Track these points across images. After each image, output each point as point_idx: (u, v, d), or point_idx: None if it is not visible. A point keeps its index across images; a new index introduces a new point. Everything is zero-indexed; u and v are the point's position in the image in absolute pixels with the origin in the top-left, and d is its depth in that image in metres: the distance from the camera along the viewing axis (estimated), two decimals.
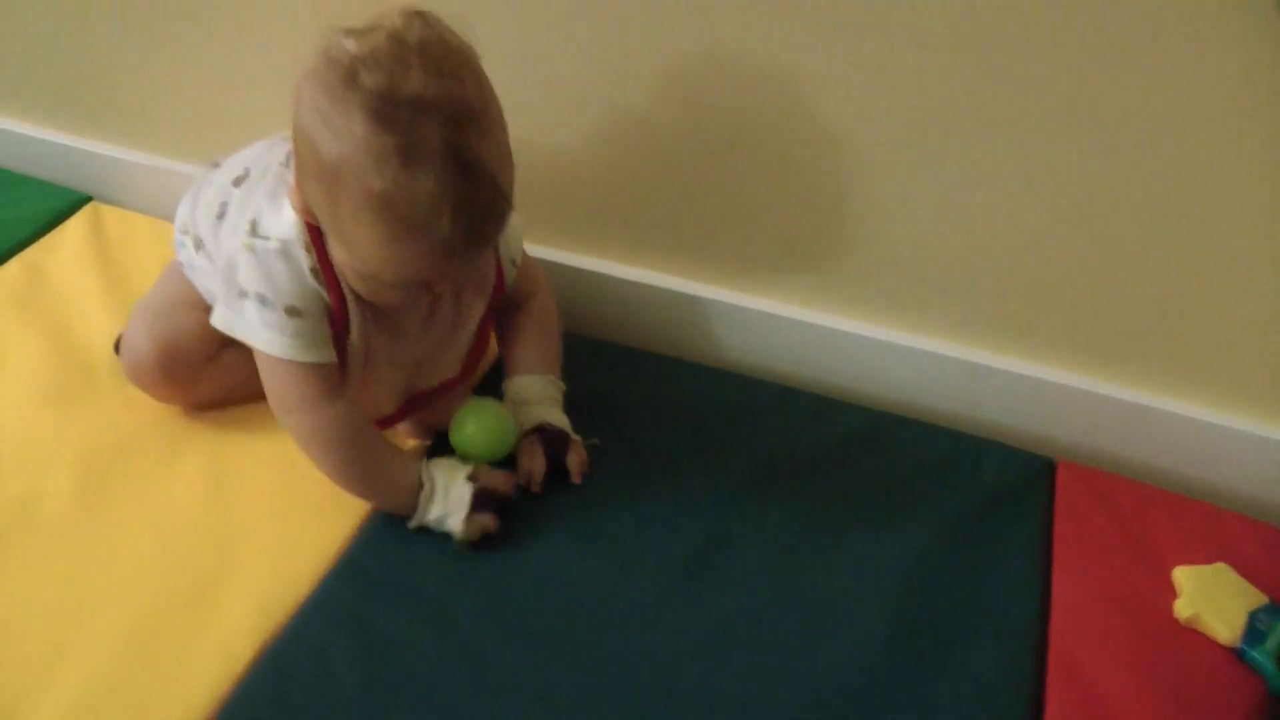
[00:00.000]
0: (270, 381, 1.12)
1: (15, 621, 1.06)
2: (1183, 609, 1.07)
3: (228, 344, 1.22)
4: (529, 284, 1.28)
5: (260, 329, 1.09)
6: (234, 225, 1.15)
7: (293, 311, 1.08)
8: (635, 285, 1.44)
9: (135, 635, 1.05)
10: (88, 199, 1.61)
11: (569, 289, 1.44)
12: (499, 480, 1.16)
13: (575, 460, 1.21)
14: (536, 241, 1.40)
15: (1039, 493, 1.21)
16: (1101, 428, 1.29)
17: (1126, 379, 1.28)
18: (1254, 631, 1.05)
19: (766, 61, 1.22)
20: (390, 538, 1.14)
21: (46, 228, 1.56)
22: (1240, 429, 1.24)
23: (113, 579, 1.10)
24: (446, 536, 1.13)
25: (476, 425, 1.19)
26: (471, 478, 1.15)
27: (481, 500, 1.14)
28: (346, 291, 1.10)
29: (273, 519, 1.16)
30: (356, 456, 1.14)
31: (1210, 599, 1.08)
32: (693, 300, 1.42)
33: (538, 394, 1.24)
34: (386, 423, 1.22)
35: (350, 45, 0.98)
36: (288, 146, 1.12)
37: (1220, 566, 1.11)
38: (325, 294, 1.09)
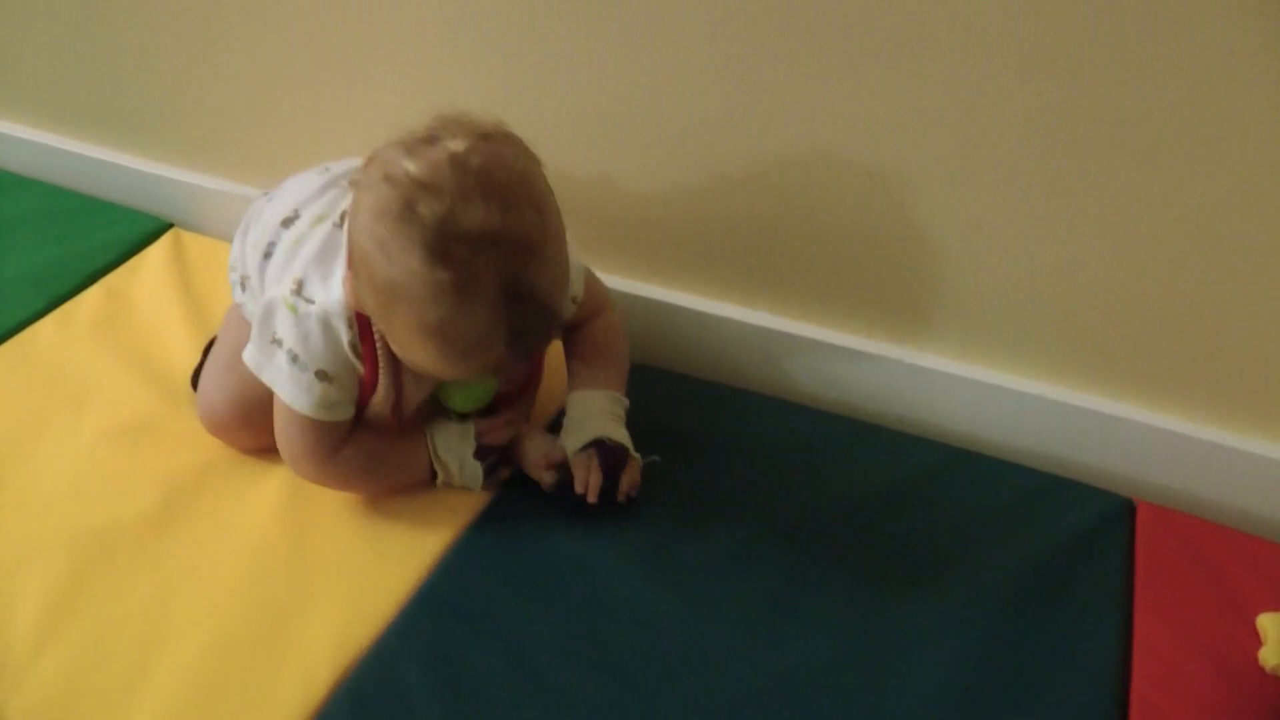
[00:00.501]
0: (284, 428, 1.16)
1: (96, 649, 1.07)
2: (1269, 657, 1.05)
3: None
4: (594, 304, 1.27)
5: (288, 383, 1.12)
6: (279, 272, 1.17)
7: (323, 376, 1.11)
8: (713, 318, 1.43)
9: (215, 664, 1.06)
10: (169, 225, 1.64)
11: (646, 320, 1.45)
12: (500, 436, 1.20)
13: (626, 479, 1.20)
14: (612, 271, 1.40)
15: (1119, 533, 1.19)
16: (1181, 467, 1.27)
17: (1207, 418, 1.26)
18: None
19: (848, 101, 1.22)
20: (470, 569, 1.15)
21: (129, 254, 1.59)
22: None
23: (192, 608, 1.11)
24: (526, 568, 1.15)
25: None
26: (479, 453, 1.19)
27: (493, 466, 1.21)
28: (383, 365, 1.12)
29: (352, 549, 1.16)
30: (366, 479, 1.20)
31: None
32: (768, 333, 1.41)
33: (596, 408, 1.23)
34: None
35: (410, 168, 0.97)
36: (341, 198, 1.14)
37: None
38: (360, 366, 1.12)
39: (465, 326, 0.98)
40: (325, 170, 1.24)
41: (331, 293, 1.10)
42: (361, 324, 1.10)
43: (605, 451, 1.20)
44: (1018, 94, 1.14)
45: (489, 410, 1.23)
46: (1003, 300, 1.29)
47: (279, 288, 1.13)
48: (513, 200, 0.98)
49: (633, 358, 1.31)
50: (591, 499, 1.18)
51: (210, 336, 1.37)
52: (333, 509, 1.20)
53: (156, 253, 1.58)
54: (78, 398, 1.34)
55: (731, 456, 1.29)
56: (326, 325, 1.10)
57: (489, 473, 1.21)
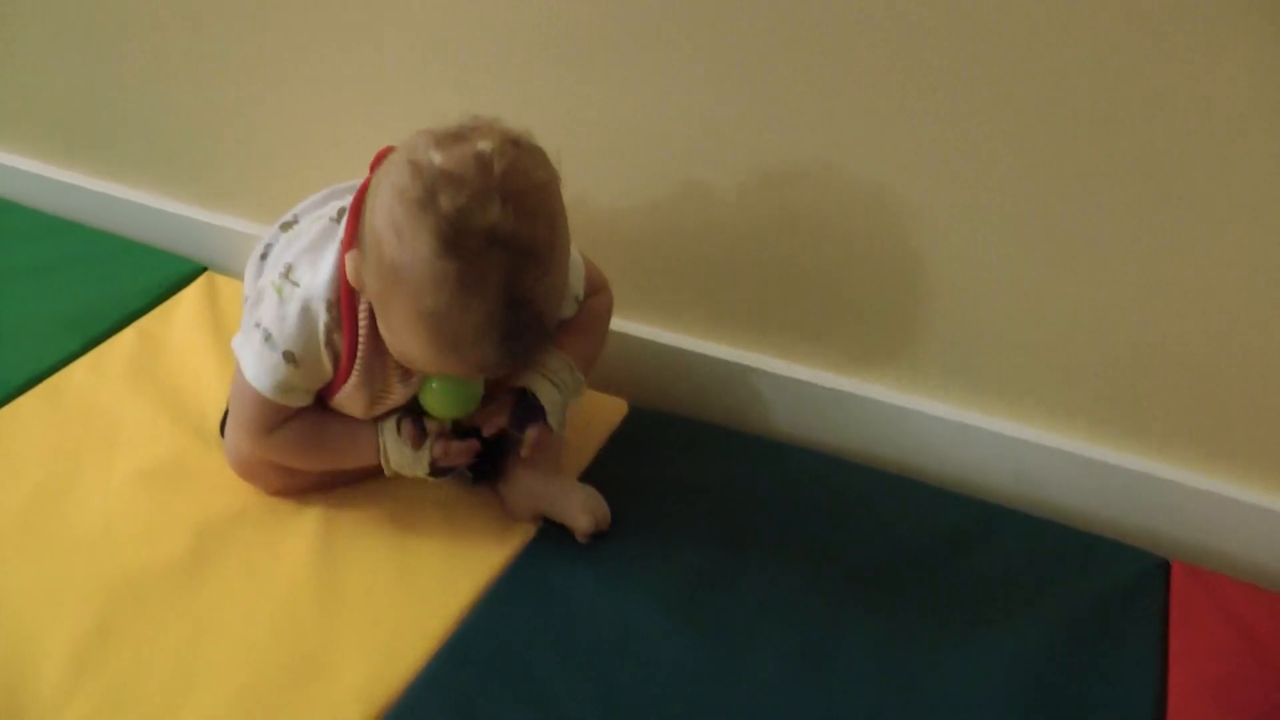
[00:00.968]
0: (237, 399, 1.19)
1: (125, 695, 1.06)
2: None
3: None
4: (591, 290, 1.29)
5: (253, 359, 1.15)
6: (273, 265, 1.19)
7: (290, 358, 1.13)
8: (749, 370, 1.44)
9: (242, 713, 1.05)
10: (203, 269, 1.65)
11: (682, 371, 1.46)
12: (455, 459, 1.19)
13: (530, 437, 1.19)
14: (649, 322, 1.42)
15: (1154, 594, 1.18)
16: (1217, 527, 1.26)
17: (1245, 478, 1.25)
18: None
19: (876, 149, 1.23)
20: (501, 618, 1.15)
21: (162, 297, 1.59)
22: None
23: (221, 653, 1.10)
24: (557, 617, 1.14)
25: (440, 383, 1.17)
26: (433, 472, 1.18)
27: (440, 472, 1.20)
28: (361, 354, 1.13)
29: (381, 597, 1.16)
30: (303, 456, 1.21)
31: None
32: (802, 385, 1.41)
33: (544, 366, 1.22)
34: None
35: (436, 158, 1.00)
36: (341, 202, 1.16)
37: None
38: (327, 360, 1.14)
39: (460, 320, 1.00)
40: (331, 190, 1.26)
41: (318, 277, 1.12)
42: (345, 311, 1.12)
43: (523, 402, 1.20)
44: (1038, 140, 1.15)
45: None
46: (1040, 356, 1.29)
47: (269, 274, 1.16)
48: (529, 208, 1.01)
49: (662, 406, 1.32)
50: (486, 433, 1.19)
51: None
52: (364, 556, 1.20)
53: (190, 296, 1.59)
54: (110, 440, 1.34)
55: (765, 507, 1.29)
56: (305, 309, 1.12)
57: (440, 475, 1.21)
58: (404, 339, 1.06)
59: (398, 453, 1.19)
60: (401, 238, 1.00)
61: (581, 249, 1.25)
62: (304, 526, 1.23)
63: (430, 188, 0.99)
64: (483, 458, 1.23)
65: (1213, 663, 1.11)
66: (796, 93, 1.24)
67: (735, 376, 1.44)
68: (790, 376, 1.41)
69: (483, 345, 1.02)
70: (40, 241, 1.72)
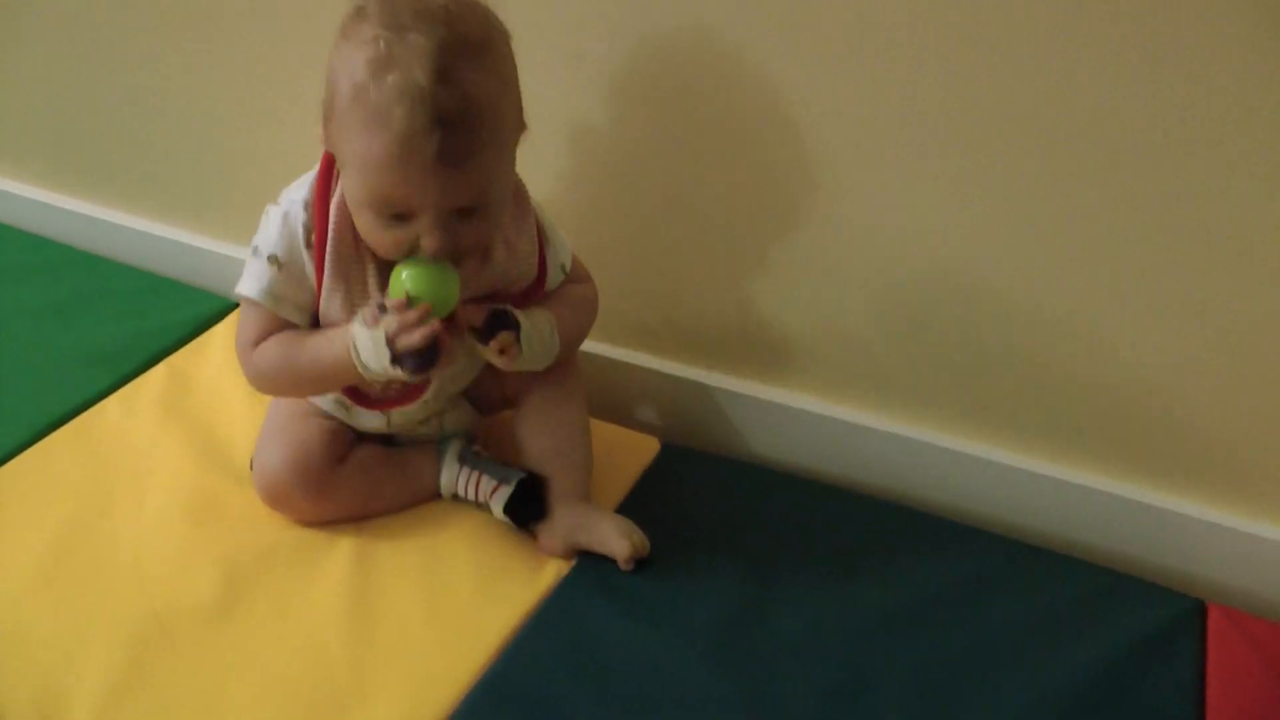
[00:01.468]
0: (240, 322, 1.24)
1: None
2: None
3: (353, 445, 1.28)
4: (577, 276, 1.32)
5: (247, 273, 1.20)
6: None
7: (274, 261, 1.18)
8: (777, 407, 1.44)
9: None
10: (235, 305, 1.65)
11: (711, 409, 1.46)
12: (411, 339, 1.10)
13: (503, 341, 1.17)
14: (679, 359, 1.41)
15: (1190, 637, 1.17)
16: (1255, 569, 1.25)
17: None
18: None
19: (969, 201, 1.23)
20: (532, 657, 1.14)
21: (194, 333, 1.60)
22: None
23: (251, 692, 1.10)
24: (588, 655, 1.14)
25: (410, 262, 1.14)
26: (395, 360, 1.11)
27: (425, 362, 1.12)
28: (331, 246, 1.17)
29: (413, 637, 1.16)
30: (285, 367, 1.21)
31: None
32: (831, 422, 1.41)
33: (527, 312, 1.21)
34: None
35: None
36: None
37: None
38: (309, 264, 1.18)
39: (384, 81, 1.05)
40: None
41: (300, 191, 1.20)
42: (317, 201, 1.18)
43: (499, 313, 1.18)
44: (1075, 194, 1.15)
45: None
46: (1071, 393, 1.28)
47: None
48: (462, 10, 1.09)
49: (705, 444, 1.35)
50: (461, 323, 1.17)
51: None
52: (395, 594, 1.20)
53: (221, 333, 1.60)
54: (141, 477, 1.34)
55: (795, 545, 1.28)
56: (286, 214, 1.19)
57: (418, 371, 1.13)
58: (346, 145, 1.10)
59: (364, 341, 1.13)
60: (339, 51, 1.10)
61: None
62: (334, 564, 1.23)
63: (360, 6, 1.10)
64: (522, 496, 1.24)
65: (1252, 708, 1.10)
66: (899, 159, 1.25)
67: (767, 414, 1.44)
68: (823, 414, 1.41)
69: (414, 118, 1.04)
70: (72, 277, 1.73)
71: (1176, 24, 1.05)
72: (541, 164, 1.29)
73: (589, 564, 1.23)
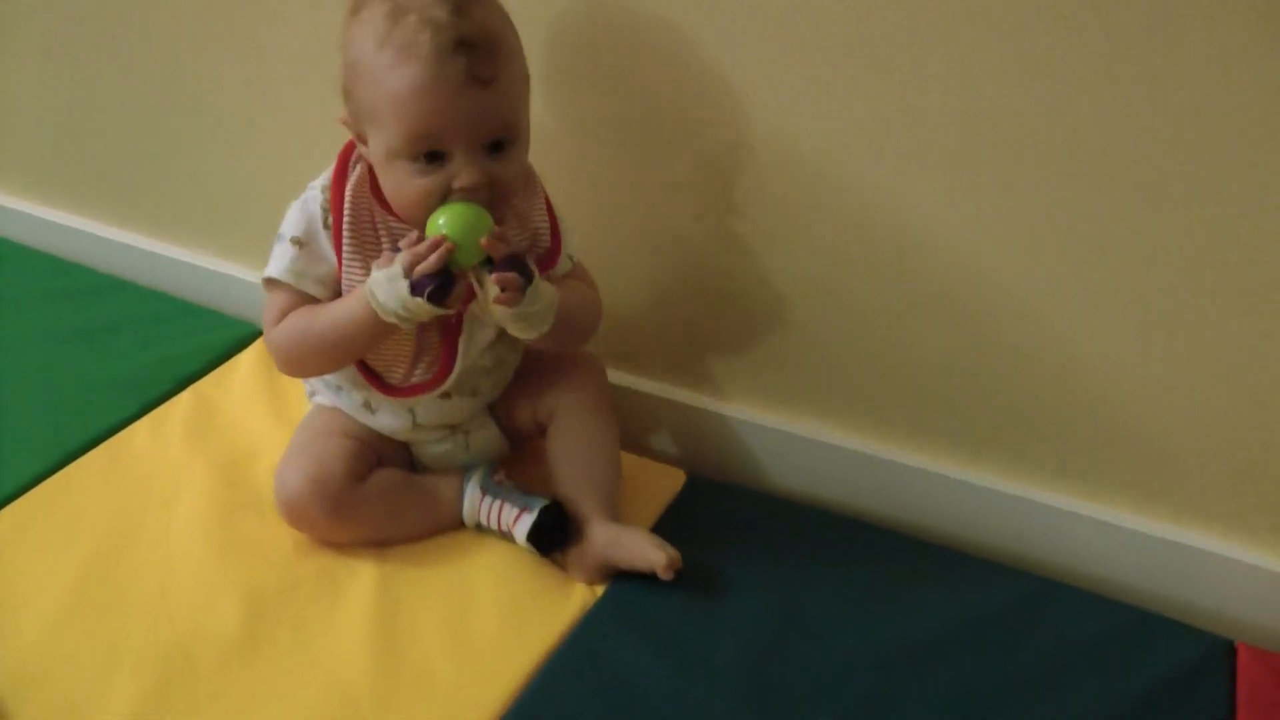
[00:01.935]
0: (265, 306, 1.26)
1: None
2: None
3: (374, 464, 1.29)
4: (579, 274, 1.33)
5: (271, 261, 1.24)
6: None
7: (296, 242, 1.23)
8: (808, 442, 1.43)
9: None
10: (260, 332, 1.65)
11: (738, 442, 1.45)
12: (429, 263, 1.12)
13: (510, 280, 1.14)
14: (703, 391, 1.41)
15: (1219, 678, 1.16)
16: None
17: None
18: None
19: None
20: (557, 692, 1.14)
21: (219, 360, 1.60)
22: None
23: None
24: (613, 691, 1.13)
25: (445, 207, 1.15)
26: (413, 289, 1.12)
27: (442, 291, 1.13)
28: (348, 214, 1.21)
29: (440, 665, 1.15)
30: (307, 333, 1.22)
31: None
32: (862, 458, 1.41)
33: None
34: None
35: None
36: None
37: None
38: (327, 243, 1.22)
39: (404, 21, 1.11)
40: None
41: (320, 179, 1.25)
42: (334, 182, 1.22)
43: (521, 255, 1.19)
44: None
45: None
46: (1100, 431, 1.28)
47: None
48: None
49: (728, 476, 1.35)
50: (486, 248, 1.14)
51: None
52: (419, 626, 1.20)
53: (246, 359, 1.60)
54: (167, 504, 1.34)
55: (821, 578, 1.28)
56: (305, 201, 1.24)
57: (435, 299, 1.13)
58: (370, 94, 1.15)
59: (379, 282, 1.15)
60: (351, 27, 1.16)
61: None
62: (358, 595, 1.23)
63: None
64: (546, 523, 1.24)
65: None
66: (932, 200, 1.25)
67: (794, 448, 1.44)
68: (851, 449, 1.41)
69: (440, 41, 1.10)
70: (98, 302, 1.74)
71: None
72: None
73: (615, 593, 1.23)
